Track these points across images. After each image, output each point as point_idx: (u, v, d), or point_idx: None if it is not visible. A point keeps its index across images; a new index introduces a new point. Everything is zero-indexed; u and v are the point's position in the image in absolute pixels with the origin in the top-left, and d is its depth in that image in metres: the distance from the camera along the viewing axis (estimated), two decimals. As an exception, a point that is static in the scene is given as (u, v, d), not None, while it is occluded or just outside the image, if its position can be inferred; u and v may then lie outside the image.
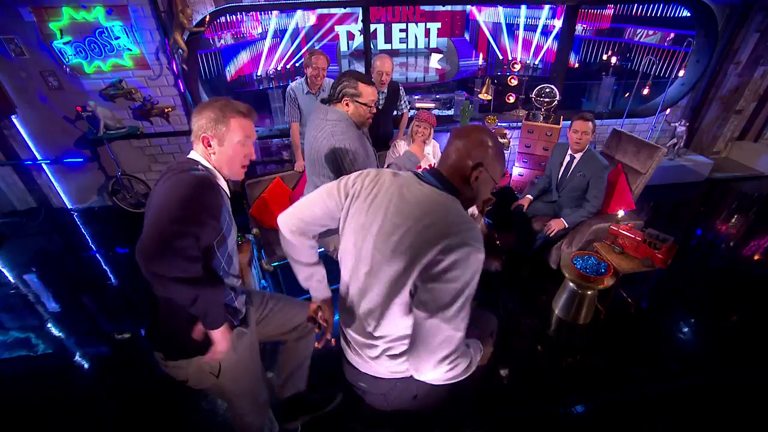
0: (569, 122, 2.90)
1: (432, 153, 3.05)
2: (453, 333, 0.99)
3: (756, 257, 3.51)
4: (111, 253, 3.74)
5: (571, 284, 2.71)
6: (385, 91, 3.25)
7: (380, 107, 3.27)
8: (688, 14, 4.50)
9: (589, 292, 2.68)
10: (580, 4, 3.97)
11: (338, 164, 1.85)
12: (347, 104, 1.85)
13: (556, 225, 2.94)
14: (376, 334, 1.17)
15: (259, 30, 8.41)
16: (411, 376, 1.13)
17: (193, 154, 1.30)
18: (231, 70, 7.52)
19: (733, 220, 4.07)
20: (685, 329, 2.75)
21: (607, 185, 2.91)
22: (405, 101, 3.40)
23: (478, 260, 0.99)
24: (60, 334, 2.83)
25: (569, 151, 2.95)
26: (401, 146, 2.98)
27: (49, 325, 2.90)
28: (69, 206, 4.37)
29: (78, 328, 2.87)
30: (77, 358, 2.62)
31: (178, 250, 1.05)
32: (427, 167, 3.04)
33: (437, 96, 6.59)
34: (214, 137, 1.25)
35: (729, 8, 4.05)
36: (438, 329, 0.98)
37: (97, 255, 3.73)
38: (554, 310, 2.89)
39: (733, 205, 4.36)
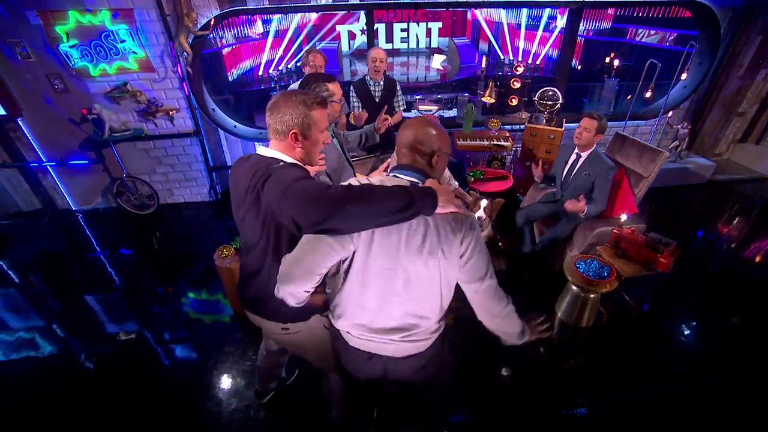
0: (573, 125, 2.92)
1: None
2: (495, 280, 1.25)
3: (758, 259, 3.53)
4: (115, 254, 3.78)
5: (574, 287, 2.73)
6: (381, 83, 3.26)
7: (377, 100, 3.28)
8: (689, 15, 4.50)
9: (592, 296, 2.70)
10: (583, 7, 3.99)
11: None
12: None
13: (576, 206, 2.79)
14: (422, 321, 1.28)
15: (261, 30, 8.42)
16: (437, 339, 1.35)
17: (272, 152, 1.32)
18: (232, 70, 7.53)
19: (735, 223, 4.09)
20: (687, 332, 2.78)
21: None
22: (401, 99, 3.40)
23: (477, 221, 1.26)
24: (64, 335, 2.86)
25: (575, 150, 2.97)
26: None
27: (54, 325, 2.93)
28: (74, 208, 4.40)
29: (82, 329, 2.90)
30: (82, 359, 2.65)
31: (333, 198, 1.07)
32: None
33: (439, 96, 6.59)
34: (302, 132, 1.30)
35: (731, 11, 4.06)
36: (492, 285, 1.24)
37: (102, 256, 3.76)
38: (557, 312, 2.91)
39: (735, 208, 4.38)
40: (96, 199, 4.40)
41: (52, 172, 4.14)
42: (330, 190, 1.07)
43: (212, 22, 3.45)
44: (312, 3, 3.54)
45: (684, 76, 4.36)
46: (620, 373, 2.47)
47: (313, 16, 9.22)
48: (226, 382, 2.42)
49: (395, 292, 1.22)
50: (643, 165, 3.05)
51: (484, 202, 2.92)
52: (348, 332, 1.35)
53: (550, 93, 3.93)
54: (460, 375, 2.44)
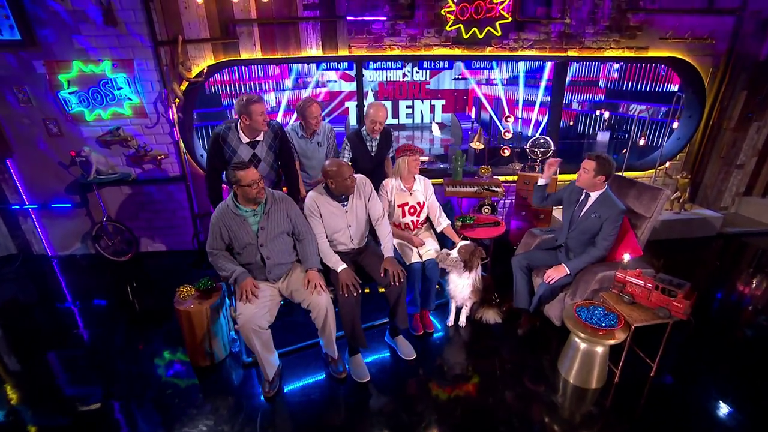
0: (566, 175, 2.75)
1: (422, 190, 2.95)
2: None
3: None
4: (86, 304, 3.49)
5: (576, 340, 2.36)
6: (378, 138, 3.23)
7: (373, 154, 3.24)
8: (676, 88, 4.65)
9: (599, 349, 2.32)
10: (567, 61, 4.13)
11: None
12: (234, 193, 2.19)
13: (557, 272, 2.67)
14: None
15: (273, 104, 9.02)
16: None
17: None
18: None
19: (757, 277, 3.72)
20: (717, 396, 2.31)
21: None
22: (392, 148, 3.37)
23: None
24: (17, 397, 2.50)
25: (584, 190, 2.77)
26: (390, 184, 2.89)
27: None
28: (50, 253, 4.24)
29: (36, 392, 2.53)
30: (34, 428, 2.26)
31: None
32: (416, 204, 2.90)
33: (441, 165, 6.83)
34: None
35: (713, 68, 4.16)
36: None
37: (70, 306, 3.48)
38: (560, 372, 2.50)
39: (752, 261, 4.05)
40: (75, 244, 4.25)
41: (32, 216, 4.05)
42: None
43: (205, 71, 3.60)
44: (302, 54, 3.71)
45: (675, 125, 4.35)
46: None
47: (321, 94, 9.94)
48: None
49: None
50: (644, 205, 2.83)
51: (461, 243, 2.71)
52: None
53: (542, 141, 3.89)
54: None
